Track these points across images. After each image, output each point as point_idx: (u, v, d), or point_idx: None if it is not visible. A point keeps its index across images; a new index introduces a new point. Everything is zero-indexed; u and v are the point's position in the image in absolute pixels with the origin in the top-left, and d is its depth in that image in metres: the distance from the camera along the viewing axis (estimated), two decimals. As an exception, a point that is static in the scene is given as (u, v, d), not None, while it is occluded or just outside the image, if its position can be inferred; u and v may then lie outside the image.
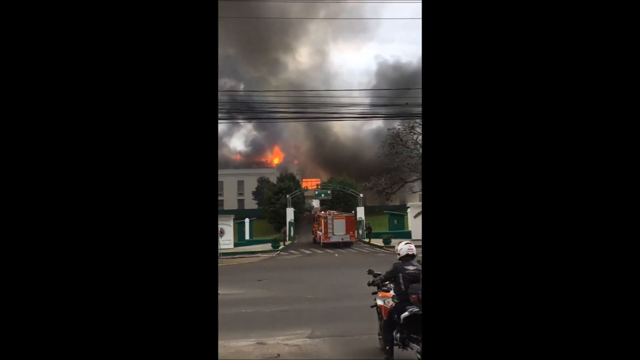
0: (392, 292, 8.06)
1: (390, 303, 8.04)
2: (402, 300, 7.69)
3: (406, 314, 7.54)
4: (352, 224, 44.04)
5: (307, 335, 9.73)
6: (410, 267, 7.85)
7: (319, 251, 37.99)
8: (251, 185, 65.03)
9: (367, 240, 42.17)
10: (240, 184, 67.33)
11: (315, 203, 53.73)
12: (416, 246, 7.87)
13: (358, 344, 8.92)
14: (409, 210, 43.17)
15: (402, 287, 7.69)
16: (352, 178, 55.10)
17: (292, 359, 8.19)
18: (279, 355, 8.65)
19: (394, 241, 32.80)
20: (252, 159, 75.11)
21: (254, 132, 75.98)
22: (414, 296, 7.48)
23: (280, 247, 40.15)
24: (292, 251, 39.55)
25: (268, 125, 63.45)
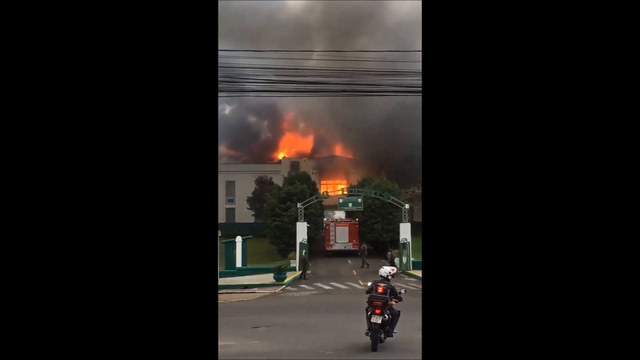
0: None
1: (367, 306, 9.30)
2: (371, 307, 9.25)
3: (371, 318, 8.58)
4: (355, 231, 30.96)
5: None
6: (382, 284, 8.84)
7: (342, 286, 20.56)
8: (246, 188, 36.18)
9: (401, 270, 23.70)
10: (230, 185, 38.29)
11: (339, 216, 26.40)
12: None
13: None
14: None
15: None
16: (393, 180, 27.44)
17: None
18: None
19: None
20: (248, 150, 46.18)
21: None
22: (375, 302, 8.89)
23: (287, 279, 22.50)
24: (304, 285, 21.82)
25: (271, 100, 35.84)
